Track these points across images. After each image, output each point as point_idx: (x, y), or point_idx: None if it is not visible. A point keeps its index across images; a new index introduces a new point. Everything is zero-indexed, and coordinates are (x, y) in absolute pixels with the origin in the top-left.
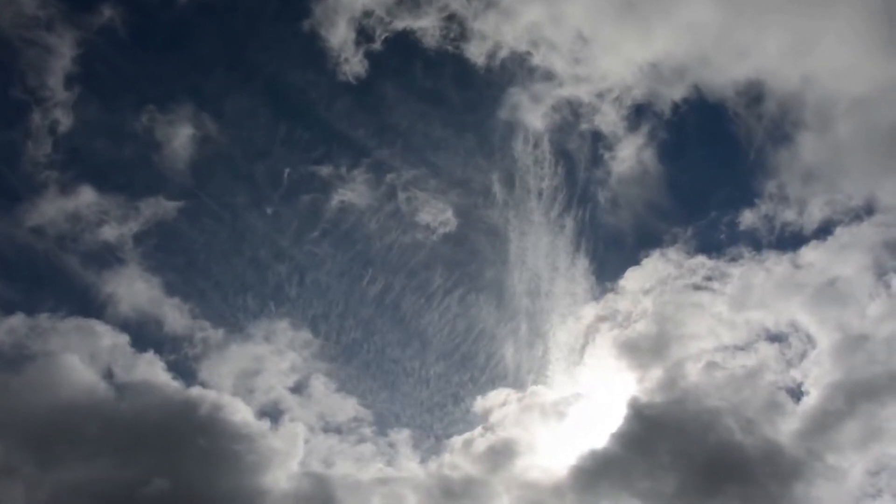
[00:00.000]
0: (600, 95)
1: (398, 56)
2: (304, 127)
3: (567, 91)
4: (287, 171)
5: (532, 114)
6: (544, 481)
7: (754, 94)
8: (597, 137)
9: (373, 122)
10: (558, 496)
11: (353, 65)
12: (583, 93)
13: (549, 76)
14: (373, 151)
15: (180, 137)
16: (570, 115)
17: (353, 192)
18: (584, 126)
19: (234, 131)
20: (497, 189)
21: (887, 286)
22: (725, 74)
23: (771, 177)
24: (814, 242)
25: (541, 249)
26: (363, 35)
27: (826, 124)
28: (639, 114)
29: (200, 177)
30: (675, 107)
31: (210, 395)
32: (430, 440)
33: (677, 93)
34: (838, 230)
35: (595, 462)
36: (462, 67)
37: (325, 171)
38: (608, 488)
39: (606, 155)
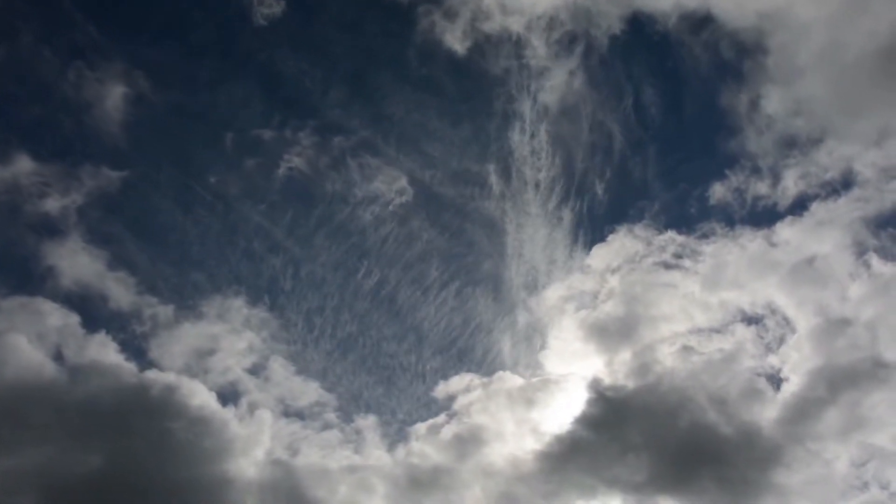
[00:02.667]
0: (529, 27)
1: None
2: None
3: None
4: (230, 135)
5: (451, 35)
6: (510, 468)
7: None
8: (524, 69)
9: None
10: (524, 483)
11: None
12: (512, 23)
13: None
14: (325, 112)
15: (113, 98)
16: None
17: (301, 158)
18: (510, 60)
19: (172, 93)
20: (494, 180)
21: (868, 266)
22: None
23: (734, 134)
24: (789, 218)
25: (538, 242)
26: None
27: (791, 74)
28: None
29: (141, 143)
30: (614, 38)
31: (167, 377)
32: (396, 426)
33: (615, 23)
34: (814, 206)
35: (563, 448)
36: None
37: (268, 134)
38: (578, 475)
39: (533, 85)
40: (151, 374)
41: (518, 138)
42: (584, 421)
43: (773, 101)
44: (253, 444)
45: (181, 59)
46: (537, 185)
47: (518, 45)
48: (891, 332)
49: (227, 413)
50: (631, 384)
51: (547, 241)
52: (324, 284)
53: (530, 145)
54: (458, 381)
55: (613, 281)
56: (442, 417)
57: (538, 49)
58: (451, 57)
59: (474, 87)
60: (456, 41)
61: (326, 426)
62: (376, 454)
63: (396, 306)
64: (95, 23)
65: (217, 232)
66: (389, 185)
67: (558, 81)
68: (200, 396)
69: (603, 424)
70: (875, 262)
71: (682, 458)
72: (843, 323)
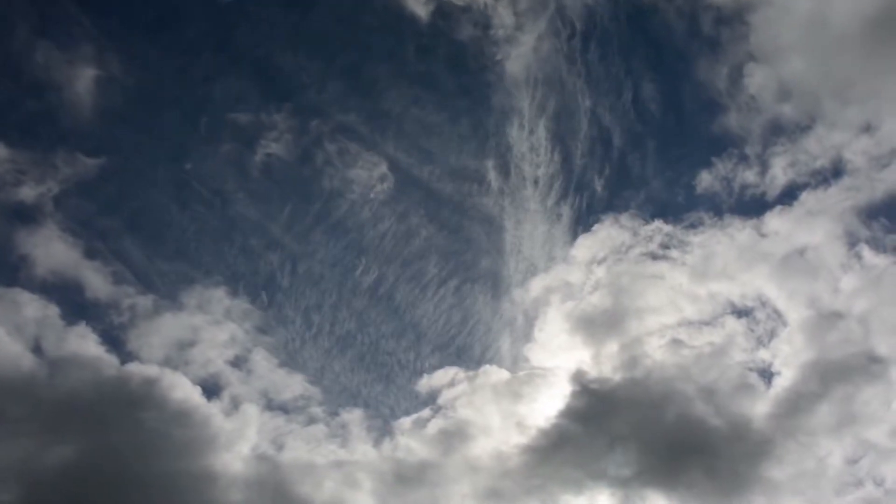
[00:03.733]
0: None
1: None
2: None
3: None
4: (210, 121)
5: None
6: (497, 463)
7: None
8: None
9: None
10: (511, 478)
11: None
12: None
13: None
14: (300, 92)
15: (87, 81)
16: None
17: (278, 143)
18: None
19: (151, 78)
20: (492, 176)
21: (859, 258)
22: None
23: (719, 120)
24: (778, 208)
25: (537, 238)
26: None
27: (774, 52)
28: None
29: (118, 129)
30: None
31: (150, 370)
32: (382, 421)
33: None
34: (804, 195)
35: (550, 442)
36: None
37: (245, 118)
38: (565, 469)
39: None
40: (133, 367)
41: (517, 134)
42: (572, 414)
43: (757, 81)
44: (237, 438)
45: (171, 47)
46: (536, 182)
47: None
48: (884, 326)
49: (210, 406)
50: (619, 377)
51: (546, 238)
52: (311, 272)
53: (529, 141)
54: (442, 375)
55: (599, 272)
56: (427, 412)
57: (505, 18)
58: (448, 50)
59: (472, 82)
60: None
61: (312, 420)
62: (362, 449)
63: (395, 303)
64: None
65: (198, 221)
66: (386, 181)
67: (526, 50)
68: (183, 389)
69: (590, 418)
70: (867, 253)
71: (672, 453)
72: (836, 316)
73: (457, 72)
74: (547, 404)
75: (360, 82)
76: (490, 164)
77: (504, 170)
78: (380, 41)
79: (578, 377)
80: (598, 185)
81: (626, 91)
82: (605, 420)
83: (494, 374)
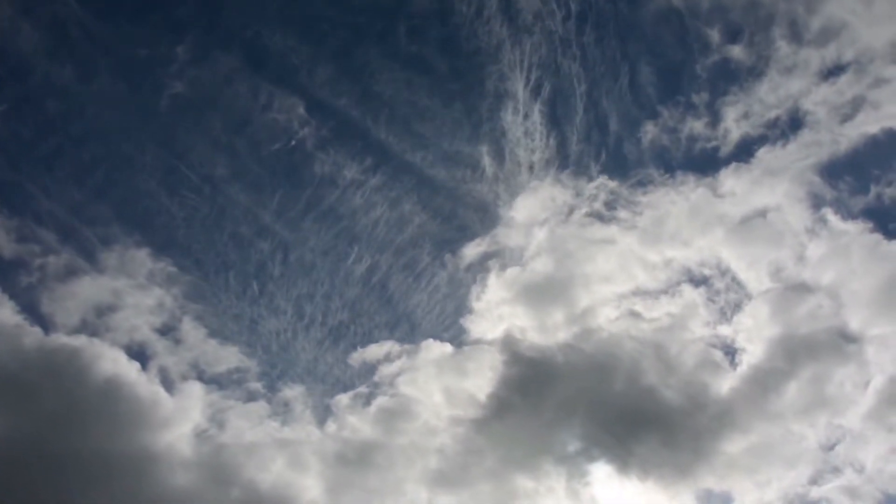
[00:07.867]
0: None
1: None
2: None
3: None
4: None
5: None
6: (444, 442)
7: None
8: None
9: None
10: (461, 457)
11: None
12: None
13: None
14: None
15: None
16: None
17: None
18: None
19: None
20: (486, 162)
21: (825, 222)
22: None
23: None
24: (734, 165)
25: None
26: None
27: None
28: None
29: (14, 71)
30: None
31: (76, 341)
32: (321, 397)
33: None
34: (761, 151)
35: (500, 419)
36: None
37: (144, 52)
38: (513, 447)
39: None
40: (57, 337)
41: (511, 118)
42: (516, 389)
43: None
44: (174, 413)
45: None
46: (531, 167)
47: None
48: (856, 300)
49: (143, 378)
50: (568, 350)
51: None
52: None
53: (524, 126)
54: (376, 349)
55: (541, 235)
56: (364, 388)
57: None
58: (440, 32)
59: (465, 65)
60: None
61: (251, 397)
62: (306, 429)
63: (388, 292)
64: None
65: (117, 177)
66: (377, 167)
67: (520, 32)
68: (115, 362)
69: (542, 393)
70: (832, 217)
71: (627, 427)
72: (803, 288)
73: (450, 55)
74: (492, 379)
75: (350, 65)
76: (484, 149)
77: (498, 155)
78: (370, 22)
79: (515, 347)
80: (595, 171)
81: (623, 75)
82: (558, 394)
83: (436, 348)
